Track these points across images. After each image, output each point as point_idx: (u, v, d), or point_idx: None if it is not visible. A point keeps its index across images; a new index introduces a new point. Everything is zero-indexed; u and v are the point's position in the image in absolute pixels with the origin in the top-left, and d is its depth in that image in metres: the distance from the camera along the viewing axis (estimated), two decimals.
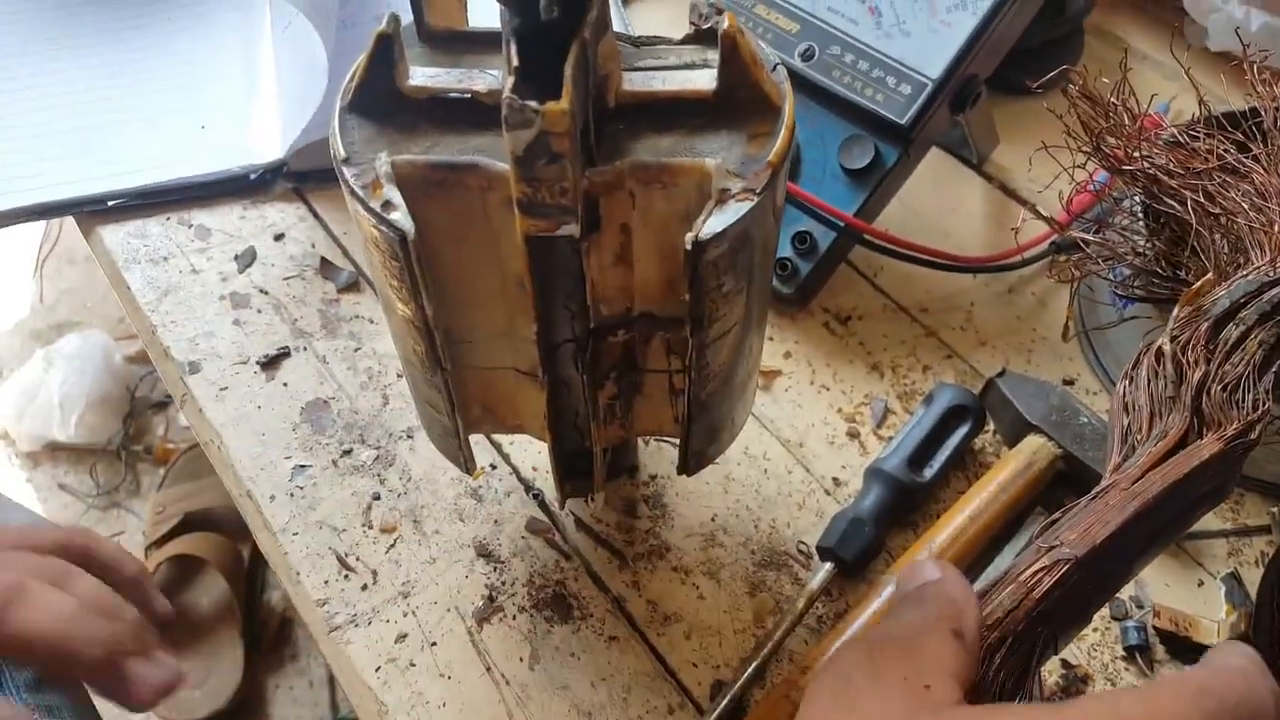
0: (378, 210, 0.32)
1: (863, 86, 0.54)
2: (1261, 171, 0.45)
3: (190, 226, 0.61)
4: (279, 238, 0.61)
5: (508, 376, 0.40)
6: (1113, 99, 0.48)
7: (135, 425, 1.45)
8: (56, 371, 1.41)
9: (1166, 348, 0.37)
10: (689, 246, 0.31)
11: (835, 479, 0.52)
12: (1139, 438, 0.36)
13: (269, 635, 1.26)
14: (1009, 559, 0.47)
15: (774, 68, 0.35)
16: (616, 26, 0.69)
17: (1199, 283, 0.41)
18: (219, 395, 0.53)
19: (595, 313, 0.36)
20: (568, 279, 0.35)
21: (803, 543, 0.49)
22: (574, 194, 0.30)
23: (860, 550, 0.47)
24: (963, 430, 0.51)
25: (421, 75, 0.34)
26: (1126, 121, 0.48)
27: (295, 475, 0.51)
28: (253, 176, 0.62)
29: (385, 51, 0.33)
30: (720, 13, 0.34)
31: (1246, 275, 0.40)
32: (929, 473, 0.50)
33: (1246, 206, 0.43)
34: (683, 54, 0.36)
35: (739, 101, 0.34)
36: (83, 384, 1.42)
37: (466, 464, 0.42)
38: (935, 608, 0.28)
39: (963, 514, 0.47)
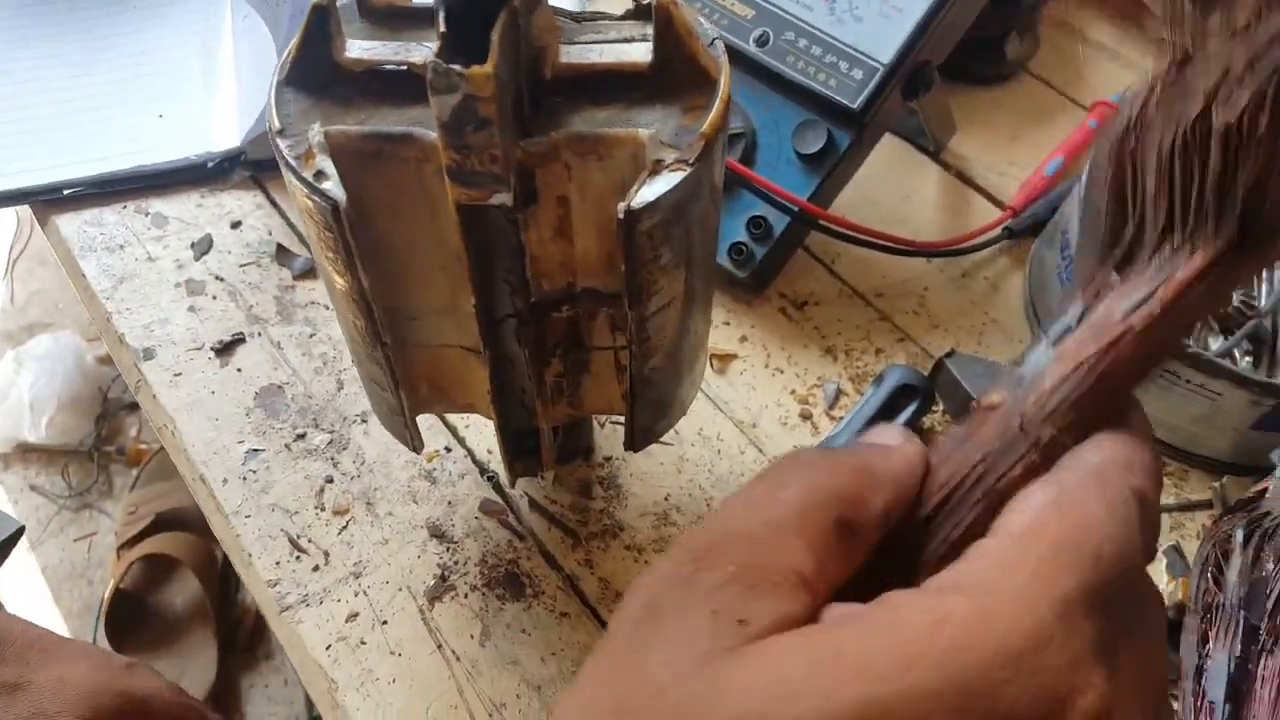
0: (310, 180, 0.32)
1: (816, 71, 0.55)
2: None
3: (147, 215, 0.61)
4: (236, 225, 0.61)
5: (454, 354, 0.40)
6: None
7: (108, 426, 1.45)
8: (27, 373, 1.40)
9: (1220, 117, 0.23)
10: (621, 215, 0.32)
11: None
12: (1142, 250, 0.25)
13: (243, 634, 1.26)
14: None
15: (711, 42, 0.35)
16: (573, 4, 0.69)
17: None
18: (173, 381, 0.53)
19: (536, 287, 0.37)
20: (506, 252, 0.35)
21: None
22: (505, 161, 0.31)
23: None
24: (911, 409, 0.51)
25: (358, 48, 0.35)
26: None
27: (248, 459, 0.51)
28: (210, 165, 0.62)
29: (321, 24, 0.33)
30: None
31: None
32: None
33: None
34: (623, 29, 0.36)
35: (675, 74, 0.34)
36: (54, 385, 1.41)
37: (414, 442, 0.42)
38: (834, 480, 0.22)
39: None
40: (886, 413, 0.51)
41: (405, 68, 0.34)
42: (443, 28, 0.29)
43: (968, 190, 0.66)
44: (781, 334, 0.57)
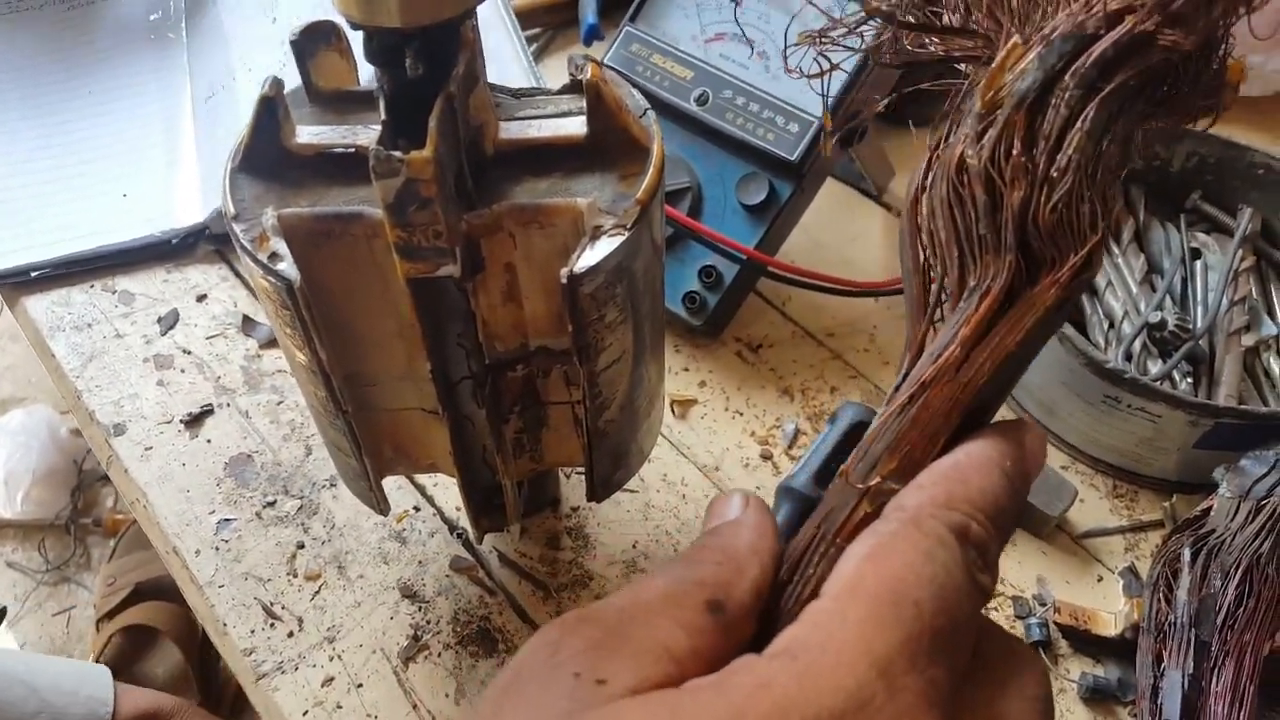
0: (264, 261, 0.33)
1: (755, 127, 0.57)
2: None
3: (114, 293, 0.62)
4: (201, 298, 0.62)
5: (415, 416, 0.42)
6: None
7: (83, 498, 1.44)
8: (1, 449, 1.40)
9: (971, 159, 0.25)
10: (565, 280, 0.33)
11: None
12: (948, 300, 0.26)
13: (227, 700, 1.24)
14: None
15: (644, 113, 0.37)
16: (524, 81, 0.71)
17: (1004, 50, 0.26)
18: (144, 455, 0.54)
19: (490, 349, 0.38)
20: (458, 318, 0.37)
21: None
22: (449, 236, 0.32)
23: None
24: None
25: (307, 133, 0.36)
26: None
27: (220, 529, 0.51)
28: (174, 241, 0.63)
29: (270, 113, 0.35)
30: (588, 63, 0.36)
31: (1058, 29, 0.26)
32: None
33: None
34: (560, 103, 0.39)
35: (609, 145, 0.36)
36: (29, 460, 1.40)
37: (380, 505, 0.43)
38: (697, 571, 0.22)
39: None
40: (843, 450, 0.53)
41: (353, 150, 0.36)
42: (384, 115, 0.31)
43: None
44: (739, 377, 0.59)
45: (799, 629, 0.20)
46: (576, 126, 0.36)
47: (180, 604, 1.24)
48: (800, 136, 0.56)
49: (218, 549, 0.51)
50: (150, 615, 1.21)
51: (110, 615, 1.22)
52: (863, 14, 0.32)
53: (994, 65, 0.26)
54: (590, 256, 0.34)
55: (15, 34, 0.76)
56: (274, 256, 0.33)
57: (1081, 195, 0.24)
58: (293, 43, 0.36)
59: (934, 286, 0.26)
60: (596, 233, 0.34)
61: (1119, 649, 0.48)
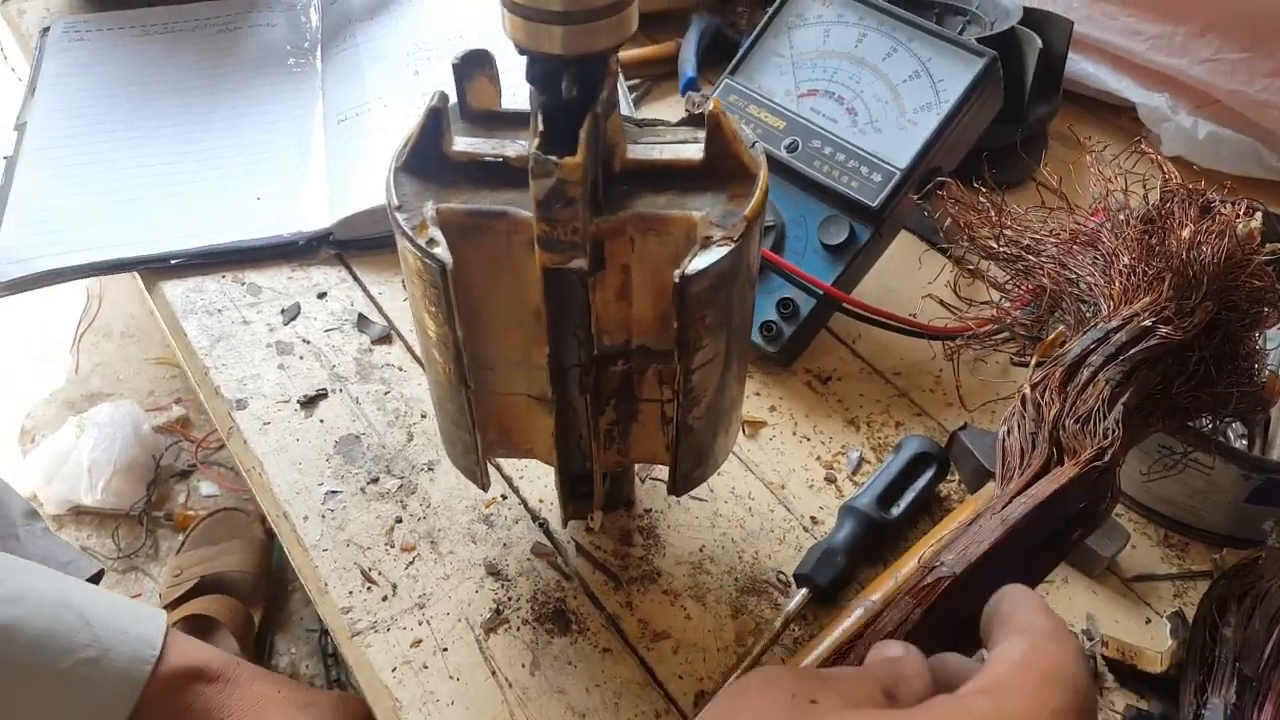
0: (423, 246, 0.39)
1: (839, 174, 0.62)
2: (1109, 239, 0.52)
3: (243, 284, 0.69)
4: (322, 296, 0.68)
5: (521, 402, 0.46)
6: (982, 198, 0.57)
7: (158, 492, 1.51)
8: (88, 438, 1.48)
9: (1028, 393, 0.44)
10: (677, 279, 0.38)
11: (813, 518, 0.57)
12: (1012, 472, 0.42)
13: None
14: None
15: (753, 145, 0.42)
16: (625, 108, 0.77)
17: (1052, 335, 0.49)
18: (262, 429, 0.60)
19: (599, 342, 0.43)
20: (576, 310, 0.42)
21: (781, 573, 0.54)
22: (583, 234, 0.37)
23: (833, 578, 0.52)
24: (928, 475, 0.56)
25: (463, 143, 0.42)
26: (993, 214, 0.57)
27: (327, 499, 0.56)
28: (301, 242, 0.70)
29: (435, 122, 0.41)
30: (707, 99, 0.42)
31: (1094, 325, 0.46)
32: (896, 511, 0.55)
33: (1095, 271, 0.51)
34: (677, 133, 0.44)
35: (722, 170, 0.41)
36: (112, 451, 1.48)
37: (483, 479, 0.48)
38: (875, 671, 0.30)
39: (927, 550, 0.53)
40: (906, 477, 0.56)
41: (501, 160, 0.42)
42: (540, 127, 0.36)
43: (979, 283, 0.72)
44: (808, 405, 0.63)
45: (983, 680, 0.28)
46: (694, 152, 0.42)
47: (241, 600, 1.30)
48: (882, 185, 0.60)
49: (324, 517, 0.56)
50: (212, 607, 1.26)
51: (174, 604, 1.28)
52: (996, 326, 0.58)
53: (1047, 341, 0.49)
54: (701, 260, 0.38)
55: (171, 51, 0.84)
56: (431, 242, 0.39)
57: (1099, 417, 0.42)
58: (454, 66, 0.42)
59: (1006, 468, 0.43)
60: (707, 242, 0.39)
61: (1164, 685, 0.50)
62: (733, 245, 0.39)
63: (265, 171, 0.75)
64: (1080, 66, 0.86)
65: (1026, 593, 0.32)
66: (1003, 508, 0.40)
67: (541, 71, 0.37)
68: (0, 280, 0.65)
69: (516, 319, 0.43)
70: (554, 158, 0.35)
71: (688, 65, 0.83)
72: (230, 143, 0.78)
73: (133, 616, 0.60)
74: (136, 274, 0.69)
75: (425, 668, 0.50)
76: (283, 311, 0.67)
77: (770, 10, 0.67)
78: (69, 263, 0.66)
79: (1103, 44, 0.85)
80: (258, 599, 1.33)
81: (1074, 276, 0.53)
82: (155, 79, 0.82)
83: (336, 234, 0.70)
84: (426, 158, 0.42)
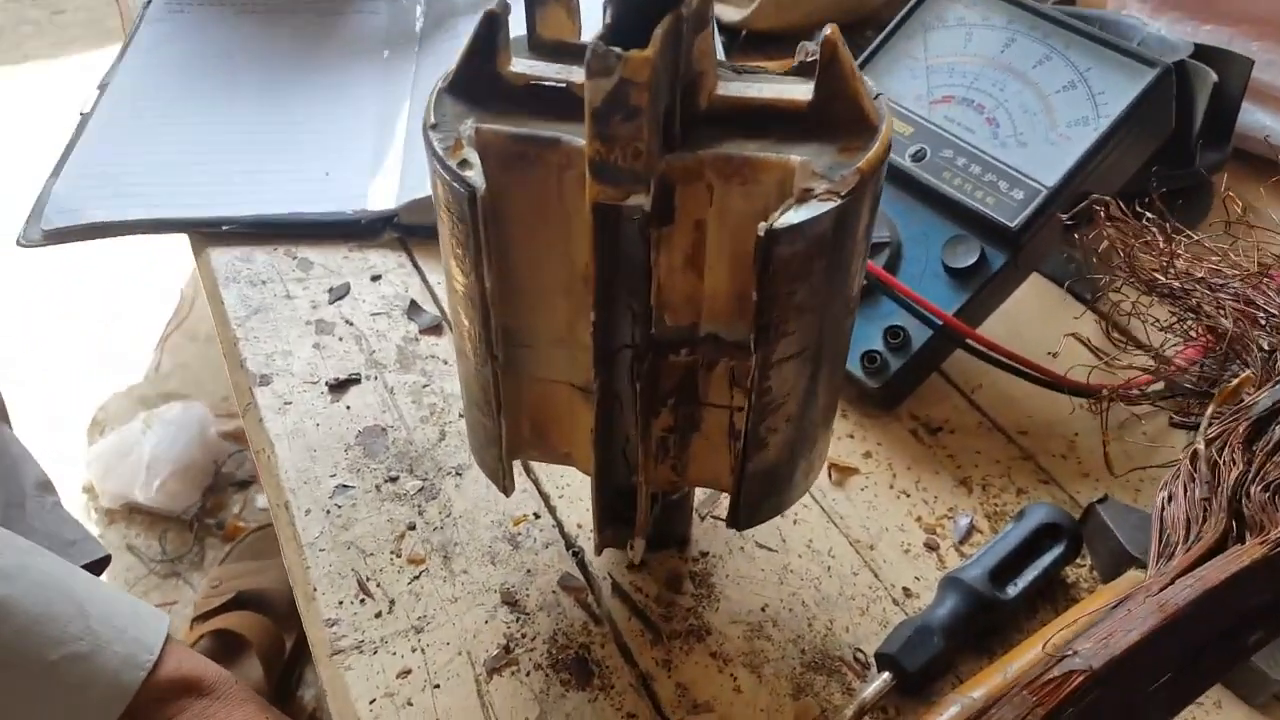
0: (452, 167, 0.31)
1: (973, 189, 0.53)
2: None
3: (295, 258, 0.63)
4: (375, 278, 0.62)
5: (562, 392, 0.38)
6: (1145, 222, 0.47)
7: (214, 500, 1.48)
8: (152, 434, 1.46)
9: (1201, 448, 0.36)
10: (761, 234, 0.30)
11: (906, 589, 0.47)
12: (1174, 548, 0.33)
13: None
14: None
15: (876, 96, 0.34)
16: None
17: (1237, 380, 0.40)
18: (281, 408, 0.53)
19: (658, 321, 0.35)
20: (633, 274, 0.33)
21: (860, 650, 0.44)
22: (647, 159, 0.29)
23: (925, 662, 0.41)
24: (1055, 552, 0.45)
25: (523, 64, 0.35)
26: (1160, 242, 0.47)
27: (336, 494, 0.49)
28: (363, 221, 0.64)
29: (490, 33, 0.34)
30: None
31: None
32: (1012, 591, 0.44)
33: None
34: (782, 80, 0.36)
35: (835, 115, 0.33)
36: (173, 451, 1.46)
37: (504, 480, 0.40)
38: None
39: (1055, 633, 0.41)
40: (1027, 552, 0.45)
41: (564, 85, 0.34)
42: (609, 19, 0.29)
43: (1134, 324, 0.61)
44: (911, 456, 0.53)
45: None
46: (802, 92, 0.33)
47: (277, 620, 1.23)
48: (1024, 204, 0.51)
49: (329, 512, 0.48)
50: (243, 624, 1.20)
51: (206, 616, 1.23)
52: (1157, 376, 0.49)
53: (1229, 387, 0.40)
54: (794, 215, 0.30)
55: (267, 29, 0.82)
56: (464, 164, 0.32)
57: None
58: None
59: (1165, 539, 0.34)
60: (805, 195, 0.31)
61: None
62: (839, 201, 0.30)
63: (338, 148, 0.71)
64: (1254, 117, 0.75)
65: None
66: (1159, 590, 0.31)
67: None
68: (46, 228, 0.62)
69: (562, 285, 0.35)
70: (618, 49, 0.27)
71: None
72: (309, 121, 0.74)
73: (134, 615, 0.53)
74: (187, 237, 0.64)
75: (409, 704, 0.41)
76: (330, 290, 0.61)
77: (904, 9, 0.60)
78: (117, 217, 0.62)
79: None
80: (293, 622, 1.26)
81: (1263, 317, 0.43)
82: (245, 54, 0.79)
83: (401, 217, 0.65)
84: (478, 79, 0.35)
